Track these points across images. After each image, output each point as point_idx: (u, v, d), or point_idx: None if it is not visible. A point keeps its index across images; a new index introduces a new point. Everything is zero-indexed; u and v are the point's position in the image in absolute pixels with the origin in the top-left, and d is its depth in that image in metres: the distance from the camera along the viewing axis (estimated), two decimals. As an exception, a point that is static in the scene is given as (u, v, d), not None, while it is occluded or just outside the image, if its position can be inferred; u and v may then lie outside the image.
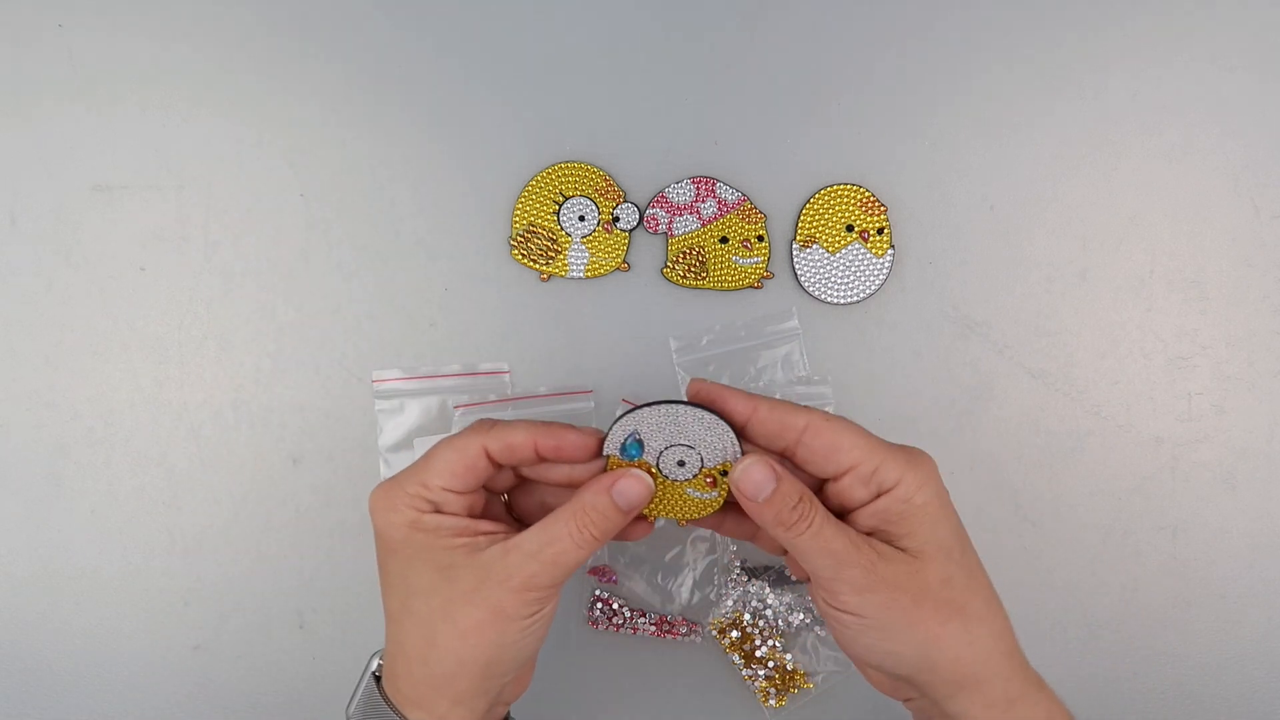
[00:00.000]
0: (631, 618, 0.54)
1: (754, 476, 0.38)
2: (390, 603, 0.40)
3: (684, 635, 0.54)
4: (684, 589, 0.55)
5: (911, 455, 0.39)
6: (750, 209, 0.55)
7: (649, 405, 0.40)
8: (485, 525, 0.40)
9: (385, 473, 0.55)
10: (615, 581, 0.55)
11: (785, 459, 0.40)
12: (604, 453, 0.41)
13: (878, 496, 0.39)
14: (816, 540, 0.37)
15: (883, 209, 0.55)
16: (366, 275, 0.55)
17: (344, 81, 0.56)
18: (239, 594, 0.55)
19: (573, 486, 0.41)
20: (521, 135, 0.56)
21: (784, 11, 0.56)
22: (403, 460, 0.55)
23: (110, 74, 0.55)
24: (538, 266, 0.55)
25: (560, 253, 0.55)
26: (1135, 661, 0.55)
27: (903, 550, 0.38)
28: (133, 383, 0.55)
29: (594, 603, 0.54)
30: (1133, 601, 0.55)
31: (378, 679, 0.42)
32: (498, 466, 0.40)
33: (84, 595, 0.55)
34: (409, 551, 0.39)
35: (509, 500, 0.44)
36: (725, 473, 0.40)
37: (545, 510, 0.41)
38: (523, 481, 0.44)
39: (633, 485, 0.40)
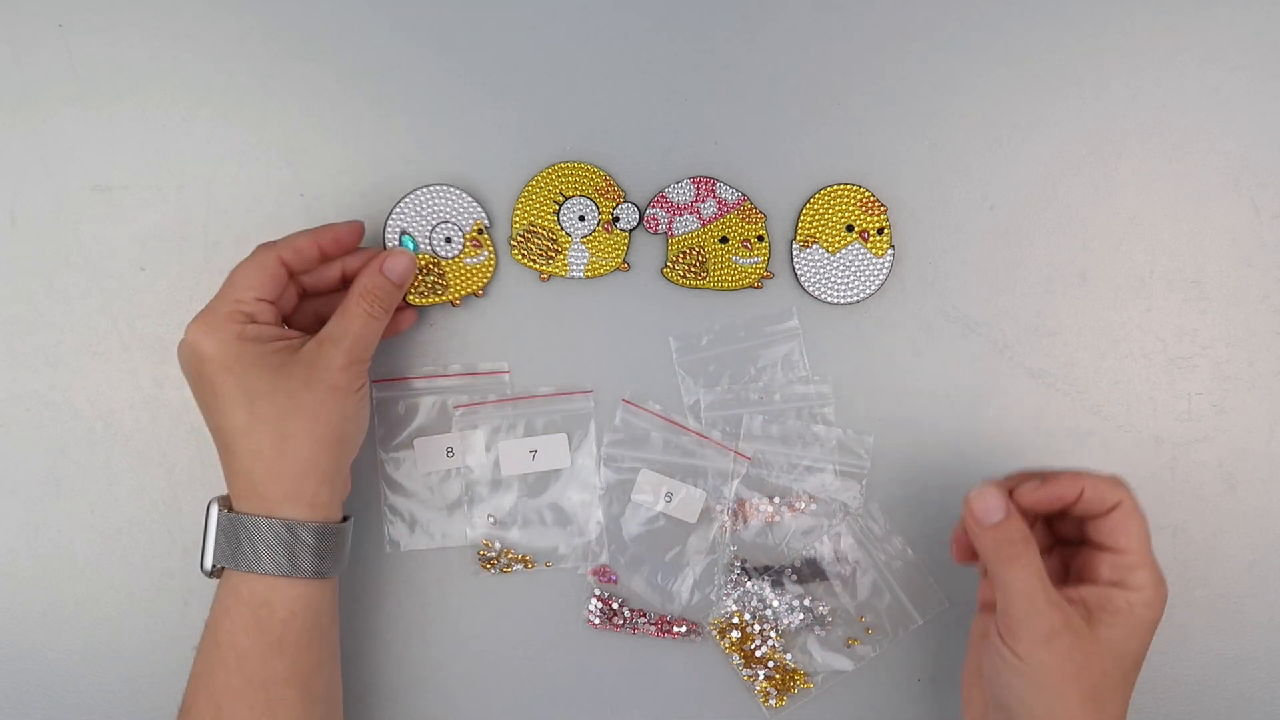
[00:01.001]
0: (631, 618, 0.54)
1: (987, 502, 0.42)
2: (232, 419, 0.44)
3: (684, 635, 0.54)
4: (684, 589, 0.55)
5: (1162, 580, 0.43)
6: (750, 209, 0.55)
7: (404, 197, 0.52)
8: (293, 333, 0.47)
9: (387, 472, 0.55)
10: (615, 581, 0.55)
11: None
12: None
13: (1114, 585, 0.43)
14: (1022, 581, 0.41)
15: (883, 209, 0.55)
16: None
17: (344, 81, 0.56)
18: (239, 594, 0.55)
19: (348, 280, 0.50)
20: (521, 135, 0.56)
21: (784, 11, 0.56)
22: (404, 461, 0.55)
23: (110, 74, 0.55)
24: (538, 266, 0.55)
25: (560, 253, 0.55)
26: (1135, 661, 0.55)
27: (1091, 628, 0.42)
28: (133, 383, 0.55)
29: (594, 603, 0.54)
30: (1133, 601, 0.55)
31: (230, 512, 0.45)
32: (291, 274, 0.48)
33: (84, 595, 0.55)
34: (243, 363, 0.44)
35: (288, 324, 0.50)
36: (482, 231, 0.52)
37: (321, 320, 0.48)
38: (299, 304, 0.51)
39: (399, 259, 0.50)
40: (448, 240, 0.52)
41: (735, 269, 0.55)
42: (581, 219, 0.55)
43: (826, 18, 0.56)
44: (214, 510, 0.46)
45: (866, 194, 0.55)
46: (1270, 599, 0.55)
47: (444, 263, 0.53)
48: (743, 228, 0.55)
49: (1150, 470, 0.56)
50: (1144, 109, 0.56)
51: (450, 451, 0.55)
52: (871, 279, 0.55)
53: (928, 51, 0.56)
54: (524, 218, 0.55)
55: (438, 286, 0.53)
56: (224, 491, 0.47)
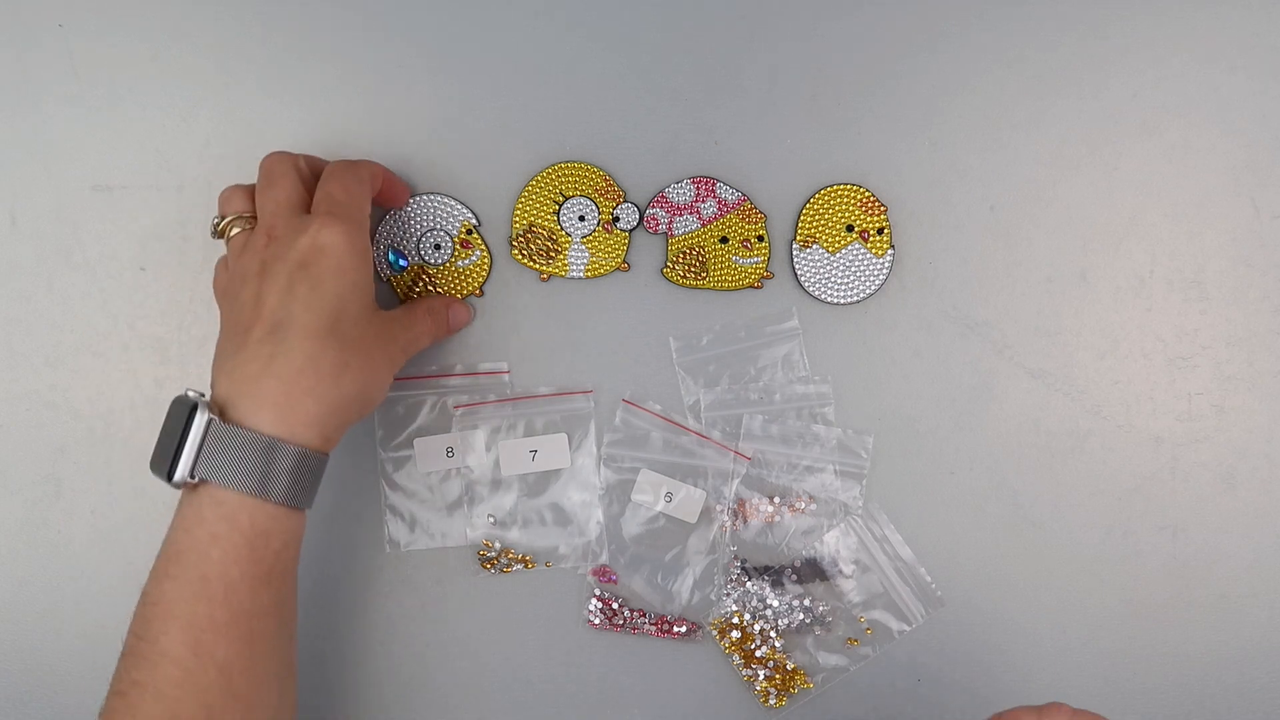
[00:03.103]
0: (631, 618, 0.54)
1: None
2: (312, 320, 0.43)
3: (684, 635, 0.54)
4: (684, 589, 0.55)
5: None
6: (750, 209, 0.55)
7: (384, 218, 0.52)
8: None
9: (387, 472, 0.55)
10: (615, 581, 0.55)
11: None
12: (377, 268, 0.52)
13: None
14: None
15: (883, 209, 0.55)
16: (366, 275, 0.55)
17: (343, 81, 0.56)
18: (239, 594, 0.55)
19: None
20: (521, 135, 0.56)
21: (784, 11, 0.56)
22: (404, 461, 0.55)
23: (110, 74, 0.55)
24: (538, 266, 0.55)
25: (560, 253, 0.55)
26: (1135, 661, 0.55)
27: None
28: (133, 383, 0.55)
29: (594, 603, 0.54)
30: (1133, 601, 0.55)
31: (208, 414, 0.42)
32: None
33: (84, 595, 0.55)
34: (355, 281, 0.45)
35: None
36: (471, 231, 0.52)
37: None
38: None
39: (461, 312, 0.54)
40: (436, 248, 0.52)
41: (735, 269, 0.55)
42: (581, 219, 0.55)
43: (827, 18, 0.56)
44: (201, 414, 0.41)
45: (866, 194, 0.55)
46: (1270, 599, 0.55)
47: (433, 270, 0.53)
48: (743, 228, 0.55)
49: (1150, 470, 0.56)
50: (1144, 109, 0.56)
51: (450, 451, 0.55)
52: (871, 279, 0.55)
53: (928, 51, 0.56)
54: (524, 218, 0.55)
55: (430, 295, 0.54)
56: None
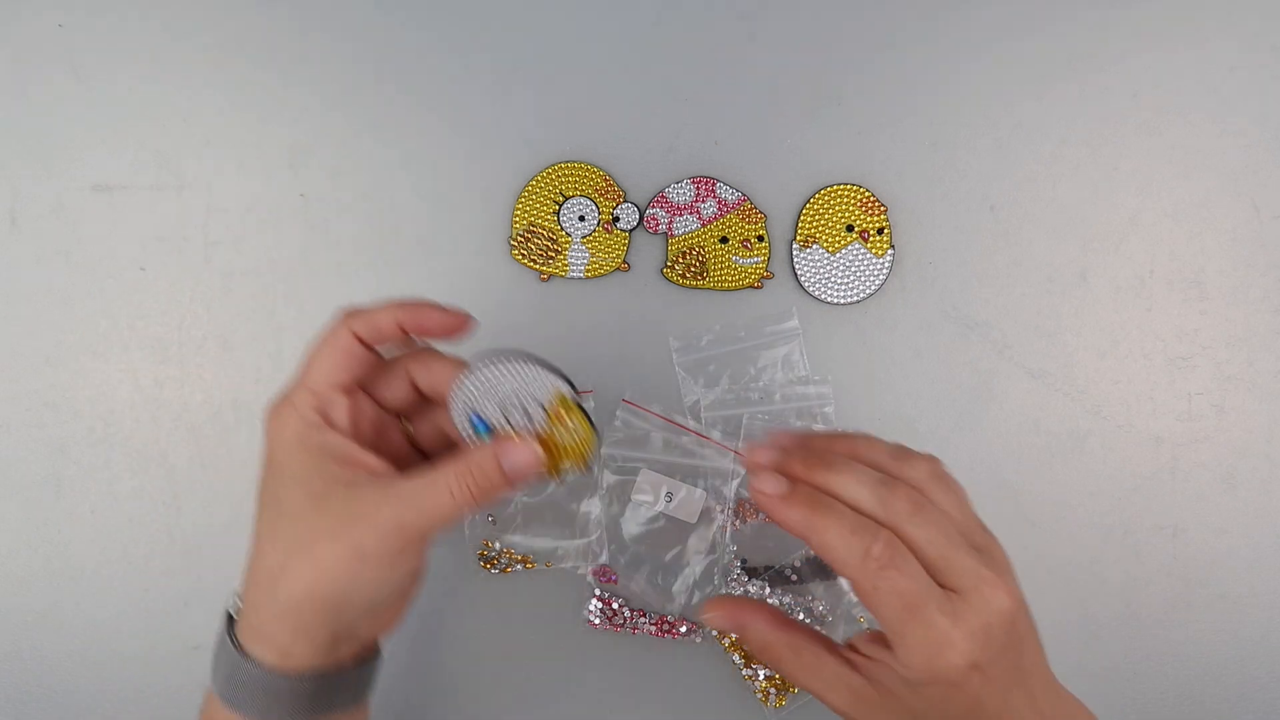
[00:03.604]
0: (632, 618, 0.54)
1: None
2: (260, 524, 0.39)
3: (684, 635, 0.54)
4: (684, 589, 0.55)
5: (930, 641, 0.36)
6: (750, 209, 0.55)
7: (461, 377, 0.40)
8: (369, 460, 0.39)
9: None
10: (615, 581, 0.55)
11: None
12: (464, 444, 0.41)
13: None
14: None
15: (883, 209, 0.55)
16: (366, 275, 0.55)
17: (344, 81, 0.56)
18: (239, 594, 0.55)
19: (419, 395, 0.42)
20: (521, 135, 0.56)
21: (785, 11, 0.56)
22: (403, 460, 0.55)
23: (111, 74, 0.55)
24: (538, 266, 0.55)
25: (560, 253, 0.55)
26: (1135, 661, 0.55)
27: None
28: (133, 383, 0.55)
29: (594, 603, 0.54)
30: (1133, 601, 0.55)
31: (232, 620, 0.40)
32: (370, 350, 0.41)
33: (84, 595, 0.55)
34: (289, 471, 0.38)
35: (413, 430, 0.44)
36: (567, 404, 0.41)
37: (444, 441, 0.43)
38: (423, 402, 0.43)
39: (523, 456, 0.39)
40: (526, 414, 0.41)
41: (735, 269, 0.55)
42: (581, 219, 0.55)
43: (826, 18, 0.56)
44: (228, 606, 0.40)
45: (866, 194, 0.55)
46: (1270, 599, 0.55)
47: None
48: (743, 228, 0.55)
49: (1150, 470, 0.56)
50: (1144, 109, 0.56)
51: (450, 452, 0.55)
52: (871, 279, 0.55)
53: (928, 51, 0.56)
54: (524, 218, 0.55)
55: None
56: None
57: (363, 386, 0.41)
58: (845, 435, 0.41)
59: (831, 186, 0.55)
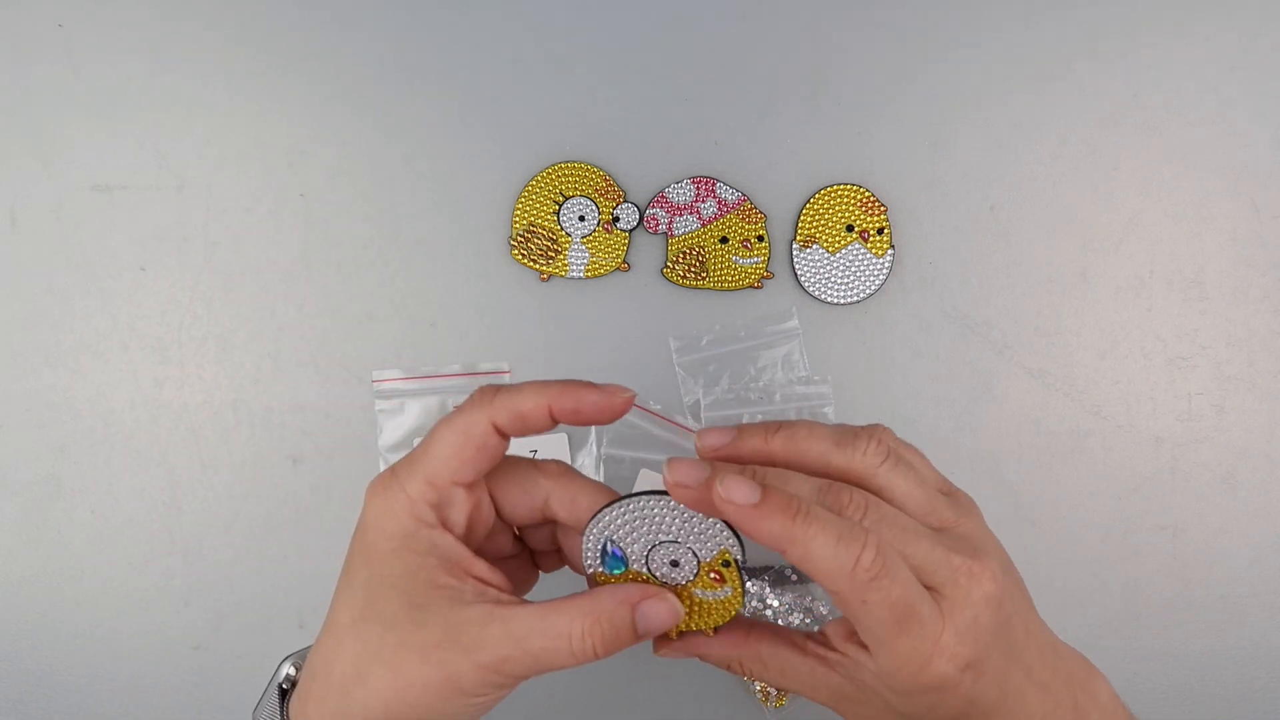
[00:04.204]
0: (632, 618, 0.54)
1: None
2: (340, 613, 0.34)
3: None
4: (684, 589, 0.55)
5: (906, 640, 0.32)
6: (750, 209, 0.55)
7: (615, 503, 0.33)
8: (483, 570, 0.34)
9: (385, 473, 0.55)
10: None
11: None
12: (586, 569, 0.35)
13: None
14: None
15: (883, 209, 0.55)
16: (366, 275, 0.55)
17: (344, 81, 0.56)
18: (239, 594, 0.55)
19: (548, 520, 0.36)
20: (521, 135, 0.56)
21: (784, 11, 0.56)
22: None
23: (110, 73, 0.55)
24: (538, 266, 0.55)
25: (560, 253, 0.55)
26: (1135, 661, 0.55)
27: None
28: (133, 383, 0.55)
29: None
30: (1133, 601, 0.55)
31: (285, 692, 0.36)
32: (505, 439, 0.35)
33: (84, 595, 0.55)
34: (388, 569, 0.33)
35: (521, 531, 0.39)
36: (728, 563, 0.34)
37: (554, 543, 0.38)
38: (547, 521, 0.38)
39: (661, 610, 0.34)
40: (673, 564, 0.34)
41: (735, 269, 0.55)
42: (581, 219, 0.55)
43: (827, 17, 0.56)
44: (279, 677, 0.36)
45: (866, 194, 0.55)
46: (1270, 599, 0.55)
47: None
48: (743, 228, 0.55)
49: (1150, 470, 0.56)
50: (1144, 109, 0.56)
51: (450, 451, 0.55)
52: (871, 279, 0.55)
53: (928, 51, 0.56)
54: (524, 218, 0.55)
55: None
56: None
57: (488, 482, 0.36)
58: (784, 428, 0.35)
59: (831, 186, 0.55)
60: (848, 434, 0.35)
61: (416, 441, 0.54)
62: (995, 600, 0.33)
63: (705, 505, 0.31)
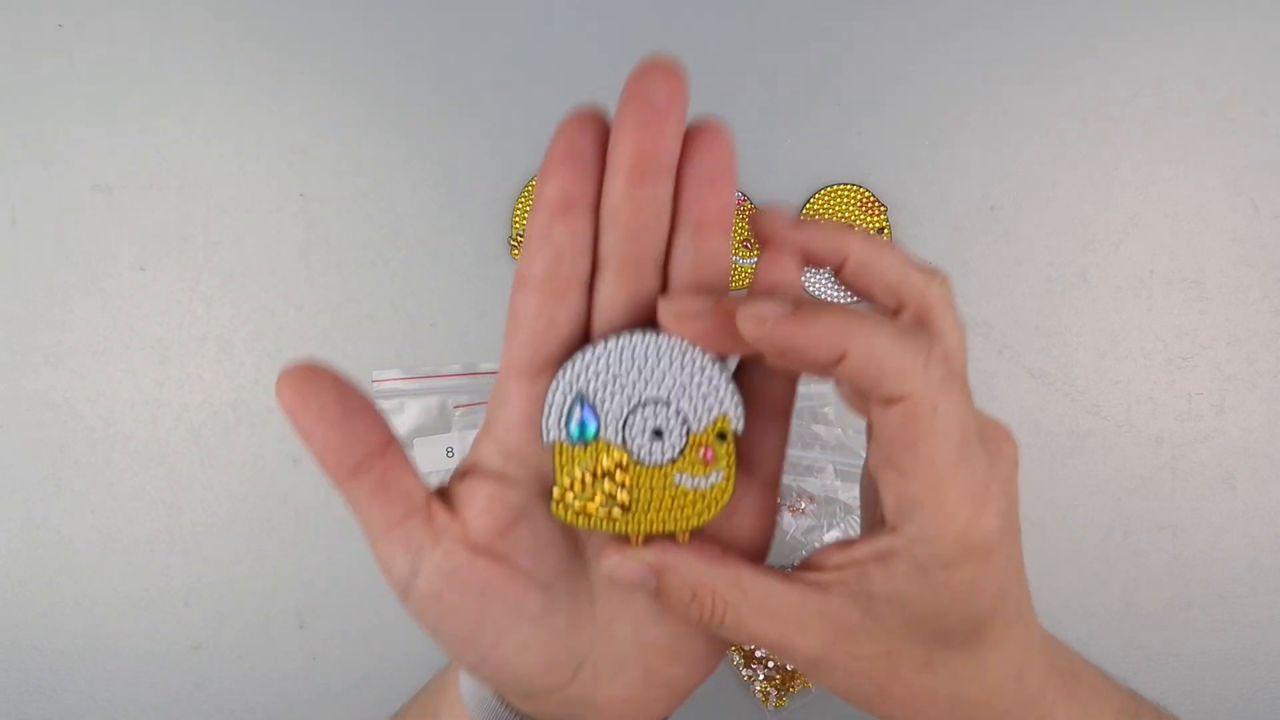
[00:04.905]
0: (631, 618, 0.54)
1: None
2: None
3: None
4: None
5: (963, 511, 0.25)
6: (750, 209, 0.55)
7: (591, 345, 0.27)
8: None
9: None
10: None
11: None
12: (544, 439, 0.27)
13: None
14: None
15: (883, 209, 0.55)
16: (366, 275, 0.55)
17: (344, 82, 0.56)
18: (239, 594, 0.55)
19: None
20: (521, 136, 0.56)
21: (784, 11, 0.56)
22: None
23: (110, 74, 0.55)
24: (538, 266, 0.55)
25: (560, 253, 0.55)
26: (1135, 661, 0.55)
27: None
28: (133, 383, 0.55)
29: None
30: (1133, 601, 0.55)
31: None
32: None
33: (84, 595, 0.55)
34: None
35: None
36: (723, 436, 0.27)
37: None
38: None
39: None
40: (655, 434, 0.27)
41: (735, 269, 0.55)
42: (581, 219, 0.55)
43: (827, 18, 0.56)
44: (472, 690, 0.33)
45: (866, 194, 0.55)
46: (1270, 599, 0.55)
47: (635, 469, 0.27)
48: (742, 228, 0.55)
49: (1150, 470, 0.56)
50: (1144, 109, 0.56)
51: (450, 451, 0.55)
52: (871, 279, 0.55)
53: (928, 52, 0.56)
54: (524, 218, 0.55)
55: (615, 510, 0.28)
56: None
57: None
58: (835, 229, 0.28)
59: (831, 186, 0.55)
60: (911, 266, 0.27)
61: (416, 442, 0.54)
62: (1016, 467, 0.27)
63: (715, 338, 0.26)
